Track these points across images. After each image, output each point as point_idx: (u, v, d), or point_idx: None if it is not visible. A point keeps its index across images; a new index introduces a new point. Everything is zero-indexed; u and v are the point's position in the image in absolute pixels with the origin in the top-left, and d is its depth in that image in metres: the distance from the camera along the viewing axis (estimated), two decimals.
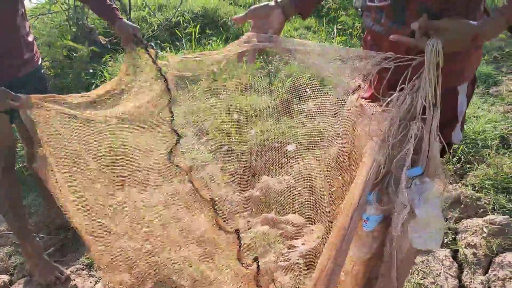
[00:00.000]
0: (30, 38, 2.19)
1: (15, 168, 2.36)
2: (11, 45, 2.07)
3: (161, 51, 4.72)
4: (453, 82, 1.43)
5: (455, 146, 2.95)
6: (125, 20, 2.12)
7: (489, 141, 2.99)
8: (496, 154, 2.89)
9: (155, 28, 5.15)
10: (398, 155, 1.34)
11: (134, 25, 2.09)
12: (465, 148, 2.95)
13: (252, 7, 1.53)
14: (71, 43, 4.44)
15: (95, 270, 2.40)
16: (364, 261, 1.57)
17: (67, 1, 4.80)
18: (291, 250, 2.35)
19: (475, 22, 1.24)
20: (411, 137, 1.31)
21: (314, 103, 2.66)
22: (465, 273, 2.22)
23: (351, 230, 1.38)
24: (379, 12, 1.46)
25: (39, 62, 2.28)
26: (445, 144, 1.43)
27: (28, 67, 2.18)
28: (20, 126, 2.31)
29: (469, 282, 2.17)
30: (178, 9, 5.29)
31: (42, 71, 2.37)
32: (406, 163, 1.31)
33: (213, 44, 4.85)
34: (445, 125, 1.47)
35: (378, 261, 1.53)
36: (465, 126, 3.05)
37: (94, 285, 2.31)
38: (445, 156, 1.60)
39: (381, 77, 1.50)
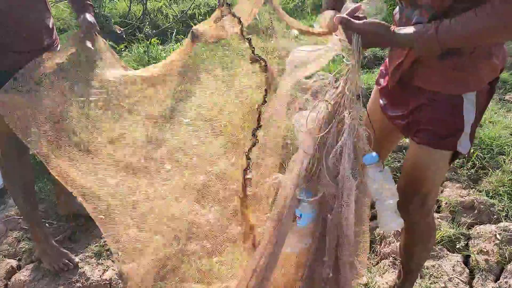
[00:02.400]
0: (51, 24, 2.18)
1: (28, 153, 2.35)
2: (33, 31, 2.06)
3: (176, 43, 4.71)
4: (456, 89, 1.45)
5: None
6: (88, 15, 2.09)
7: (505, 148, 2.95)
8: None
9: (171, 20, 5.14)
10: (336, 146, 1.42)
11: (94, 22, 2.08)
12: (480, 154, 2.92)
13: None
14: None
15: (104, 259, 2.40)
16: (299, 256, 1.66)
17: None
18: None
19: (392, 29, 1.36)
20: (346, 127, 1.41)
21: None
22: (476, 279, 2.20)
23: (284, 225, 1.49)
24: (400, 4, 1.53)
25: (59, 48, 2.28)
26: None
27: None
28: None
29: None
30: (194, 2, 5.28)
31: None
32: (346, 150, 1.40)
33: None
34: (449, 133, 1.51)
35: (313, 256, 1.60)
36: (480, 132, 3.04)
37: (103, 273, 2.31)
38: (454, 162, 1.61)
39: (391, 70, 1.60)
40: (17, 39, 2.00)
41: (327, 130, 1.46)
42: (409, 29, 1.34)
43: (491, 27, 1.22)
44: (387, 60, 1.67)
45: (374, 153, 1.43)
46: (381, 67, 1.78)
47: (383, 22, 1.39)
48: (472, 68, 1.41)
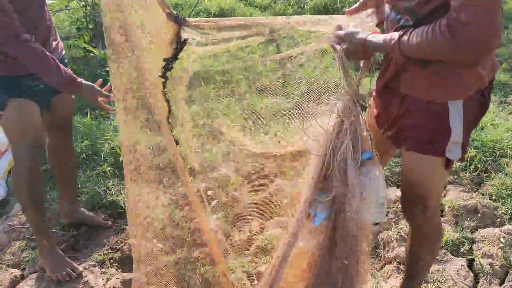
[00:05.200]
0: (53, 27, 2.21)
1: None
2: (44, 33, 2.10)
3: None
4: (439, 96, 1.45)
5: (472, 154, 2.91)
6: None
7: (507, 150, 2.95)
8: None
9: None
10: (341, 148, 1.54)
11: None
12: (483, 157, 2.92)
13: None
14: (87, 46, 4.45)
15: (108, 267, 2.40)
16: (312, 253, 1.72)
17: None
18: None
19: (365, 34, 1.45)
20: (346, 131, 1.54)
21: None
22: (481, 283, 2.19)
23: (298, 225, 1.61)
24: (387, 7, 1.57)
25: (63, 52, 2.30)
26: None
27: (56, 55, 2.19)
28: (47, 116, 2.31)
29: None
30: (194, 9, 5.30)
31: (66, 60, 2.38)
32: (348, 151, 1.51)
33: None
34: (434, 139, 1.52)
35: (324, 251, 1.67)
36: (482, 135, 3.03)
37: (106, 282, 2.31)
38: (454, 167, 1.63)
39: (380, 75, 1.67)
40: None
41: (334, 131, 1.57)
42: (380, 37, 1.42)
43: (433, 45, 1.25)
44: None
45: (367, 153, 1.54)
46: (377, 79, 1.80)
47: (358, 30, 1.49)
48: (455, 76, 1.41)
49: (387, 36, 1.39)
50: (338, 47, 1.52)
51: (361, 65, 1.63)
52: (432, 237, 1.80)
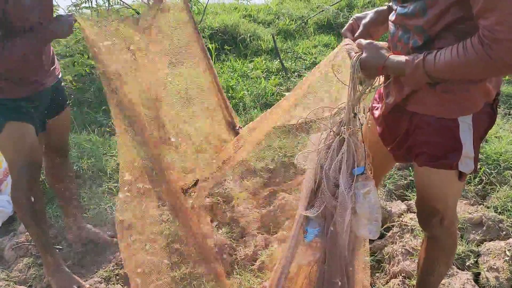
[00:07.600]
0: (51, 51, 2.25)
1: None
2: (37, 61, 2.13)
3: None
4: (449, 112, 1.46)
5: None
6: None
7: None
8: None
9: None
10: (333, 161, 1.55)
11: None
12: (487, 169, 2.92)
13: (355, 15, 1.70)
14: (93, 63, 4.51)
15: (113, 283, 2.41)
16: (311, 269, 1.73)
17: (90, 17, 4.90)
18: None
19: (388, 53, 1.43)
20: (342, 142, 1.55)
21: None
22: None
23: (294, 240, 1.64)
24: (392, 26, 1.57)
25: (60, 75, 2.34)
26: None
27: (50, 80, 2.23)
28: (43, 138, 2.35)
29: None
30: (199, 26, 5.36)
31: (62, 83, 2.42)
32: (343, 164, 1.52)
33: (231, 60, 4.89)
34: (446, 154, 1.52)
35: (320, 269, 1.68)
36: (487, 147, 3.03)
37: None
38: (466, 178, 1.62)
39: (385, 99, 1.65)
40: (34, 71, 2.13)
41: (324, 145, 1.58)
42: (401, 57, 1.40)
43: (466, 63, 1.26)
44: (381, 88, 1.70)
45: (360, 167, 1.53)
46: (375, 95, 1.79)
47: (383, 46, 1.45)
48: (464, 92, 1.42)
49: (409, 56, 1.38)
50: (354, 54, 1.49)
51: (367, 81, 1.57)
52: (449, 247, 1.80)
